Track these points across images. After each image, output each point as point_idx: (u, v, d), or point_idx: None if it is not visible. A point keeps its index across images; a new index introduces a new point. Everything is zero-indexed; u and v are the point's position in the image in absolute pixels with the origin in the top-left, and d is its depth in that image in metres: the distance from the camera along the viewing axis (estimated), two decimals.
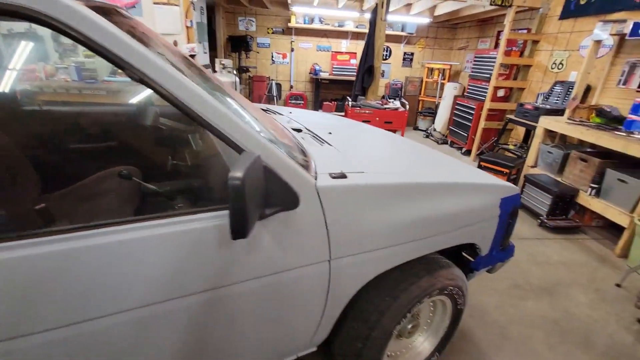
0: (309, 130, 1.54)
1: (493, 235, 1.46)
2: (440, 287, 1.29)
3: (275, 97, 6.66)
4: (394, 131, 4.43)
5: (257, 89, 6.79)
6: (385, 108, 4.24)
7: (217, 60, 4.04)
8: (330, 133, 1.54)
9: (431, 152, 1.83)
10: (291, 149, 1.07)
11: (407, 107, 4.36)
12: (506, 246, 1.59)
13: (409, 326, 1.41)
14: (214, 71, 4.28)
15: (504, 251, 1.59)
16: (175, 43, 4.11)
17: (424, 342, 1.48)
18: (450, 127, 5.87)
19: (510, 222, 1.52)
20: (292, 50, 6.71)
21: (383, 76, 6.93)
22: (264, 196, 0.81)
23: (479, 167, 3.72)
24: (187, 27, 4.03)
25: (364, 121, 4.24)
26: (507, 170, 3.49)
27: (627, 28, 2.85)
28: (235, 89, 4.02)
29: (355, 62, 6.77)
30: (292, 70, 6.85)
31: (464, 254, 1.53)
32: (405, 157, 1.54)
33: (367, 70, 4.33)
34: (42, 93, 3.46)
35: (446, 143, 6.07)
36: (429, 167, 1.47)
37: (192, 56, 4.18)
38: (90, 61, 3.76)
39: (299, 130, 1.51)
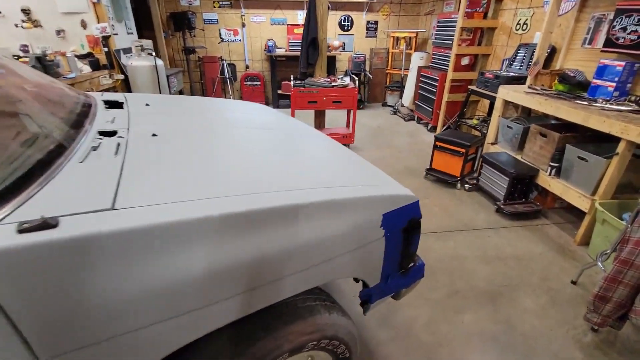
0: (129, 133, 1.11)
1: (381, 261, 1.09)
2: (291, 348, 0.92)
3: (229, 80, 6.10)
4: (350, 112, 3.98)
5: (208, 71, 6.20)
6: (333, 86, 3.77)
7: (133, 42, 3.49)
8: (155, 135, 1.12)
9: (324, 150, 1.42)
10: None
11: (357, 83, 3.90)
12: (409, 269, 1.23)
13: None
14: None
15: (406, 275, 1.22)
16: (84, 23, 3.54)
17: None
18: (416, 101, 5.43)
19: (407, 241, 1.14)
20: (244, 25, 6.08)
21: (344, 49, 6.37)
22: None
23: (434, 147, 3.33)
24: (94, 3, 3.45)
25: (309, 102, 3.79)
26: (463, 150, 3.11)
27: None
28: (157, 74, 3.51)
29: None
30: (245, 48, 6.25)
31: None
32: (256, 167, 1.09)
33: (311, 43, 3.82)
34: None
35: (413, 119, 5.64)
36: (289, 177, 1.06)
37: (106, 37, 3.62)
38: None
39: (111, 134, 1.09)
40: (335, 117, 5.36)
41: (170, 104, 1.70)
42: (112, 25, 3.71)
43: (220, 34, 6.02)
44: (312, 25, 3.78)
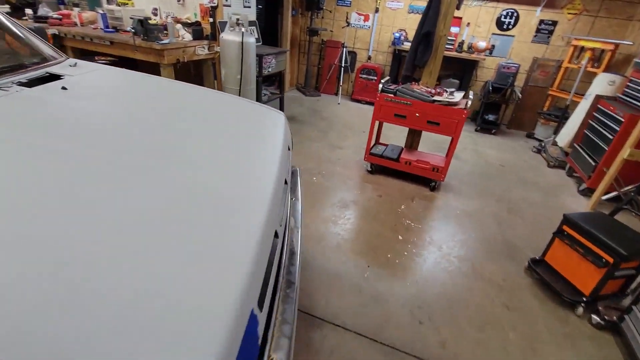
0: None
1: None
2: None
3: (345, 68, 5.59)
4: (454, 136, 2.91)
5: (328, 56, 5.84)
6: (434, 101, 2.77)
7: (230, 14, 3.35)
8: None
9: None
10: None
11: (469, 103, 2.75)
12: None
13: None
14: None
15: None
16: None
17: None
18: (577, 144, 3.72)
19: None
20: (377, 10, 5.37)
21: (491, 53, 4.90)
22: None
23: (558, 232, 2.04)
24: None
25: (396, 115, 2.94)
26: (611, 260, 1.76)
27: None
28: (242, 51, 3.28)
29: (456, 30, 4.98)
30: (372, 36, 5.56)
31: None
32: None
33: (424, 39, 2.87)
34: (64, 38, 3.55)
35: (562, 168, 3.93)
36: None
37: (214, 8, 3.60)
38: (117, 9, 3.64)
39: None
40: (441, 139, 4.20)
41: (109, 90, 1.30)
42: None
43: (347, 18, 5.50)
44: (430, 16, 2.82)
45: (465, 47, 4.93)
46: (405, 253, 2.27)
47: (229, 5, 3.83)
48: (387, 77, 3.11)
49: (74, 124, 0.98)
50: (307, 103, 5.43)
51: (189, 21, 3.74)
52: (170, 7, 3.85)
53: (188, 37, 3.51)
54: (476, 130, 5.01)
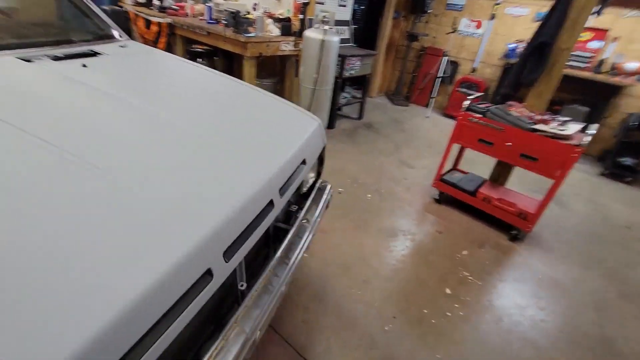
0: None
1: None
2: None
3: (442, 79, 5.01)
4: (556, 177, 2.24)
5: (426, 64, 5.32)
6: (536, 130, 2.15)
7: (318, 11, 3.21)
8: None
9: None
10: None
11: (587, 140, 2.03)
12: None
13: None
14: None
15: None
16: None
17: None
18: None
19: None
20: (492, 17, 4.62)
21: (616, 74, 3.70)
22: None
23: None
24: None
25: (480, 141, 2.41)
26: None
27: None
28: (322, 50, 3.13)
29: (596, 46, 3.94)
30: (482, 46, 4.82)
31: None
32: None
33: (536, 51, 2.24)
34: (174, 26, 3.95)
35: None
36: None
37: (305, 4, 3.55)
38: (222, 2, 3.89)
39: None
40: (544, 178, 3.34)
41: (132, 73, 1.26)
42: None
43: (454, 24, 4.87)
44: (551, 23, 2.20)
45: (607, 67, 3.87)
46: (449, 314, 1.80)
47: (322, 3, 3.74)
48: (480, 94, 2.57)
49: (59, 100, 0.93)
50: (392, 112, 5.05)
51: (281, 17, 3.78)
52: (268, 2, 3.96)
53: (276, 32, 3.54)
54: (602, 174, 3.91)
